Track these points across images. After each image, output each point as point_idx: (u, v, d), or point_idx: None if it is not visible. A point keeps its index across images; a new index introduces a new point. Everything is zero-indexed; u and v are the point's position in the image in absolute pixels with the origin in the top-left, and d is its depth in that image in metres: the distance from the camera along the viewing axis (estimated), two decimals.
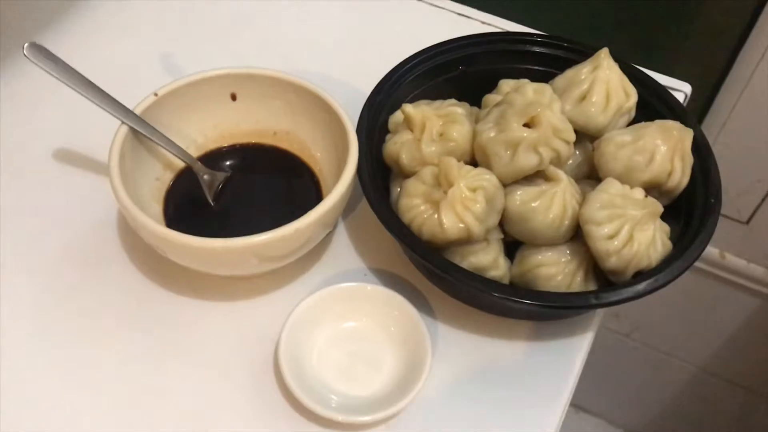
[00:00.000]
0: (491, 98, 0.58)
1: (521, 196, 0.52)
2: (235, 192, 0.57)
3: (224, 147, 0.59)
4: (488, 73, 0.60)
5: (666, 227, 0.52)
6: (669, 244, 0.51)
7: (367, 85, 0.58)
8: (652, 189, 0.54)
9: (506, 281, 0.54)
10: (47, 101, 0.66)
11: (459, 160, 0.52)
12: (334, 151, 0.55)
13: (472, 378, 0.52)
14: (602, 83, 0.55)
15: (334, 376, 0.50)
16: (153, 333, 0.53)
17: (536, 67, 0.61)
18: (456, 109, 0.56)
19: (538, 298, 0.48)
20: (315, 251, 0.57)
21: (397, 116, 0.57)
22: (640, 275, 0.50)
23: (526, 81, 0.57)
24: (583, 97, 0.56)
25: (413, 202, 0.52)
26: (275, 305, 0.54)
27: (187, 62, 0.69)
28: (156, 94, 0.54)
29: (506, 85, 0.58)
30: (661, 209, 0.51)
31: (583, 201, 0.51)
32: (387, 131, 0.58)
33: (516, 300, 0.48)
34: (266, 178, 0.59)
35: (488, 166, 0.52)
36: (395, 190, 0.56)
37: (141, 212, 0.47)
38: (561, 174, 0.51)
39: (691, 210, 0.54)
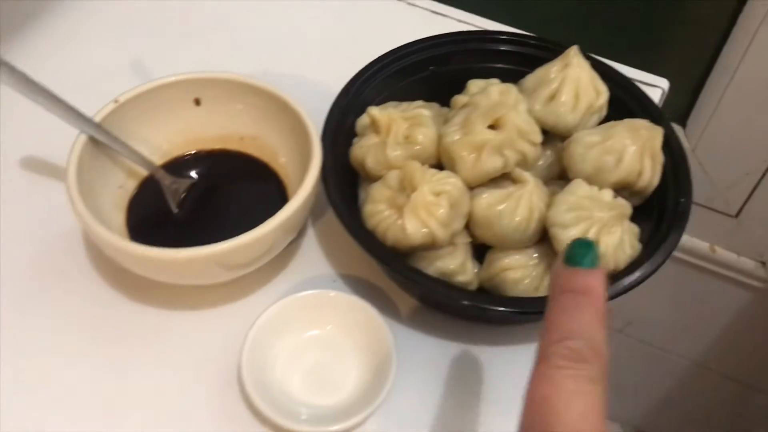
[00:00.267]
0: (459, 99, 0.57)
1: (487, 199, 0.51)
2: (201, 199, 0.56)
3: (190, 153, 0.58)
4: (459, 73, 0.59)
5: (635, 229, 0.51)
6: (638, 246, 0.50)
7: (341, 87, 0.57)
8: (623, 189, 0.53)
9: (474, 285, 0.53)
10: (12, 110, 0.65)
11: (425, 164, 0.52)
12: (299, 157, 0.54)
13: (440, 383, 0.51)
14: (572, 82, 0.54)
15: (299, 387, 0.50)
16: (118, 343, 0.52)
17: (508, 66, 0.60)
18: (422, 111, 0.55)
19: (498, 303, 0.48)
20: (283, 257, 0.56)
21: (364, 119, 0.56)
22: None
23: (494, 81, 0.56)
24: (553, 97, 0.55)
25: (377, 208, 0.51)
26: (242, 314, 0.53)
27: (160, 66, 0.68)
28: (117, 101, 0.53)
29: (474, 85, 0.57)
30: (629, 211, 0.50)
31: (550, 203, 0.50)
32: (355, 134, 0.57)
33: (479, 306, 0.47)
34: (232, 184, 0.58)
35: (453, 170, 0.51)
36: (363, 194, 0.56)
37: (98, 223, 0.47)
38: (527, 176, 0.50)
39: (662, 210, 0.53)
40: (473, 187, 0.52)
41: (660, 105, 0.70)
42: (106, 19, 0.74)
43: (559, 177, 0.56)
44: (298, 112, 0.53)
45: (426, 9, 0.75)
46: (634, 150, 0.51)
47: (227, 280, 0.52)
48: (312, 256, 0.57)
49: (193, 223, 0.55)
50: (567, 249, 0.33)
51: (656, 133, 0.52)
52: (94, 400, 0.50)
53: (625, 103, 0.57)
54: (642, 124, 0.52)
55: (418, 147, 0.53)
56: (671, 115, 0.96)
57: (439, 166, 0.53)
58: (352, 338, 0.51)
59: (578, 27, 0.87)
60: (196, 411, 0.49)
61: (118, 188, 0.55)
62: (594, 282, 0.32)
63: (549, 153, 0.57)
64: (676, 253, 1.08)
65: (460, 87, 0.58)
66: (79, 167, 0.49)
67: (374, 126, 0.54)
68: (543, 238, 0.51)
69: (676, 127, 0.96)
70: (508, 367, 0.52)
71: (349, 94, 0.57)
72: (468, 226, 0.52)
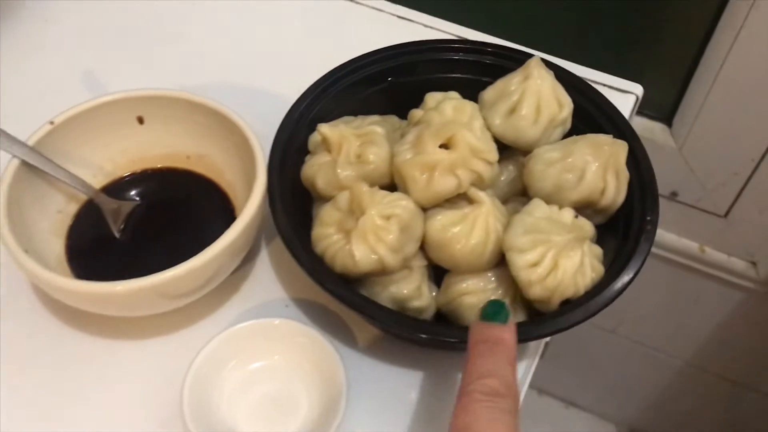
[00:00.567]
0: (416, 114, 0.54)
1: (441, 221, 0.48)
2: (145, 222, 0.53)
3: (135, 173, 0.56)
4: (419, 84, 0.57)
5: (597, 250, 0.48)
6: (600, 269, 0.48)
7: None
8: (586, 207, 0.50)
9: (431, 310, 0.50)
10: None
11: (377, 184, 0.49)
12: (246, 176, 0.52)
13: (398, 411, 0.49)
14: (532, 94, 0.52)
15: (246, 421, 0.47)
16: (58, 374, 0.50)
17: (468, 76, 0.58)
18: (375, 128, 0.52)
19: (441, 333, 0.45)
20: (234, 281, 0.53)
21: (316, 136, 0.54)
22: (567, 304, 0.46)
23: (453, 95, 0.54)
24: (513, 110, 0.52)
25: (326, 231, 0.48)
26: (191, 342, 0.50)
27: (112, 80, 0.66)
28: (52, 123, 0.51)
29: (432, 99, 0.54)
30: (589, 233, 0.47)
31: (507, 224, 0.48)
32: (308, 151, 0.54)
33: (422, 336, 0.45)
34: (178, 205, 0.55)
35: (405, 191, 0.49)
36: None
37: (27, 257, 0.44)
38: (483, 196, 0.48)
39: (628, 228, 0.50)
40: (427, 208, 0.49)
41: (634, 112, 0.67)
42: (54, 31, 0.71)
43: (522, 193, 0.53)
44: (243, 129, 0.51)
45: (390, 13, 0.72)
46: (597, 167, 0.48)
47: (172, 309, 0.50)
48: (264, 280, 0.55)
49: (136, 248, 0.52)
50: (482, 309, 0.41)
51: (620, 149, 0.49)
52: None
53: (591, 114, 0.55)
54: (605, 140, 0.49)
55: (370, 166, 0.50)
56: (656, 114, 0.93)
57: (393, 186, 0.50)
58: (301, 367, 0.49)
59: (558, 26, 0.84)
60: None
61: (57, 213, 0.52)
62: (506, 334, 0.39)
63: (511, 168, 0.54)
64: (666, 254, 1.07)
65: (421, 97, 0.55)
66: (9, 195, 0.47)
67: (325, 144, 0.52)
68: (502, 261, 0.49)
69: (662, 127, 0.94)
70: None
71: (301, 109, 0.54)
72: (423, 248, 0.50)
